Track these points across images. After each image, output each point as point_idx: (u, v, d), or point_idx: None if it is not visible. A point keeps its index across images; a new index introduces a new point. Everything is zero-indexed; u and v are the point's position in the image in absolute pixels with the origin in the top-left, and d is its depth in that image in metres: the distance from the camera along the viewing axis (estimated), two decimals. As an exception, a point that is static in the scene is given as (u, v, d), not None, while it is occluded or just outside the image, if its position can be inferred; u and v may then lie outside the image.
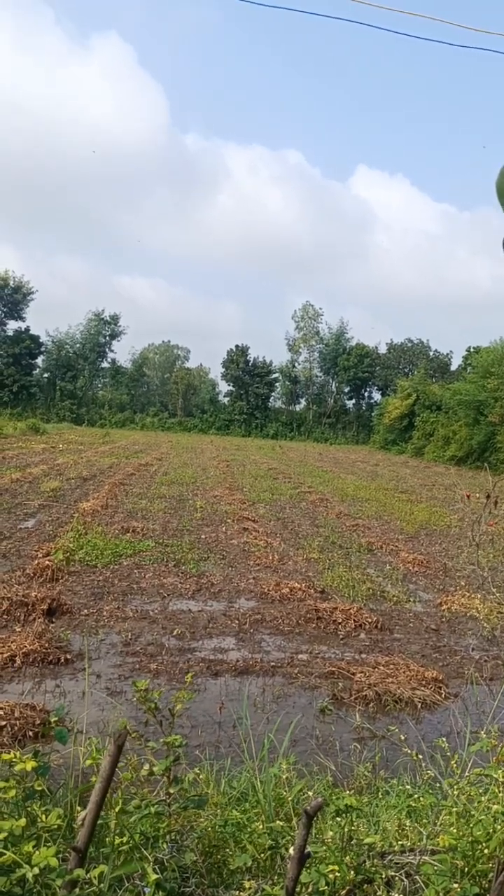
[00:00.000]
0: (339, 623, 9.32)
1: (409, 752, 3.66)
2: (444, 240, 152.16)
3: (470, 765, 3.41)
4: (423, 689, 7.26)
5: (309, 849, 1.94)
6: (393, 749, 5.83)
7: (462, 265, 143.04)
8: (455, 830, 2.42)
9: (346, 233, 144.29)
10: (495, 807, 2.47)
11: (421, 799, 3.08)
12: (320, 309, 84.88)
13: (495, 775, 2.70)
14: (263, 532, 15.66)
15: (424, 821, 2.90)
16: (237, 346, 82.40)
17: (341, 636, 9.00)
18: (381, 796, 4.07)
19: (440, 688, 7.37)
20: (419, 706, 6.95)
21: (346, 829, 2.44)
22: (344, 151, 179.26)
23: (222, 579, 11.40)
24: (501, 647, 8.90)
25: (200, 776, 3.60)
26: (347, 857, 2.33)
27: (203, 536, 14.87)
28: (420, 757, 3.65)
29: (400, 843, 2.59)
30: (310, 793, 2.84)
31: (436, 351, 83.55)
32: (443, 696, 7.23)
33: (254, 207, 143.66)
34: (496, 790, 2.70)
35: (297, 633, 9.00)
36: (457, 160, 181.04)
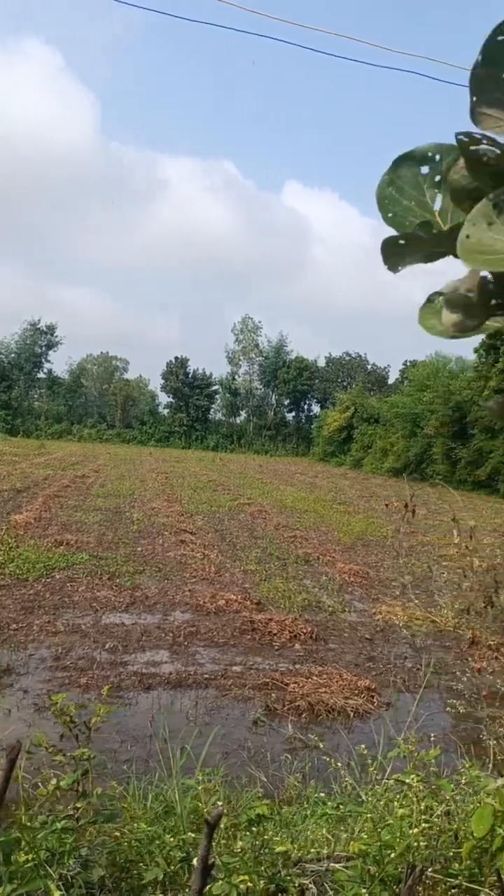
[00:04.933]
0: (275, 634, 9.32)
1: (329, 760, 3.66)
2: (377, 253, 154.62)
3: (389, 770, 3.44)
4: (355, 698, 7.31)
5: (216, 859, 1.91)
6: (324, 759, 5.84)
7: (397, 279, 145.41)
8: (366, 836, 2.43)
9: (283, 245, 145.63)
10: (401, 811, 2.48)
11: (341, 807, 3.08)
12: (259, 322, 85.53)
13: (408, 780, 2.73)
14: (201, 544, 15.58)
15: (342, 828, 2.90)
16: (176, 358, 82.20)
17: (276, 647, 8.99)
18: (308, 806, 4.07)
19: (372, 696, 7.44)
20: (352, 715, 6.99)
21: (261, 839, 2.43)
22: (275, 164, 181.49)
23: (157, 592, 11.28)
24: (427, 654, 9.03)
25: (119, 789, 3.52)
26: (262, 867, 2.31)
27: (139, 549, 14.70)
28: (340, 765, 3.66)
29: (315, 850, 2.58)
30: (219, 803, 2.81)
31: (373, 364, 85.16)
32: (375, 704, 7.29)
33: (190, 218, 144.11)
34: (411, 795, 2.72)
35: (231, 645, 8.96)
36: (378, 175, 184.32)
